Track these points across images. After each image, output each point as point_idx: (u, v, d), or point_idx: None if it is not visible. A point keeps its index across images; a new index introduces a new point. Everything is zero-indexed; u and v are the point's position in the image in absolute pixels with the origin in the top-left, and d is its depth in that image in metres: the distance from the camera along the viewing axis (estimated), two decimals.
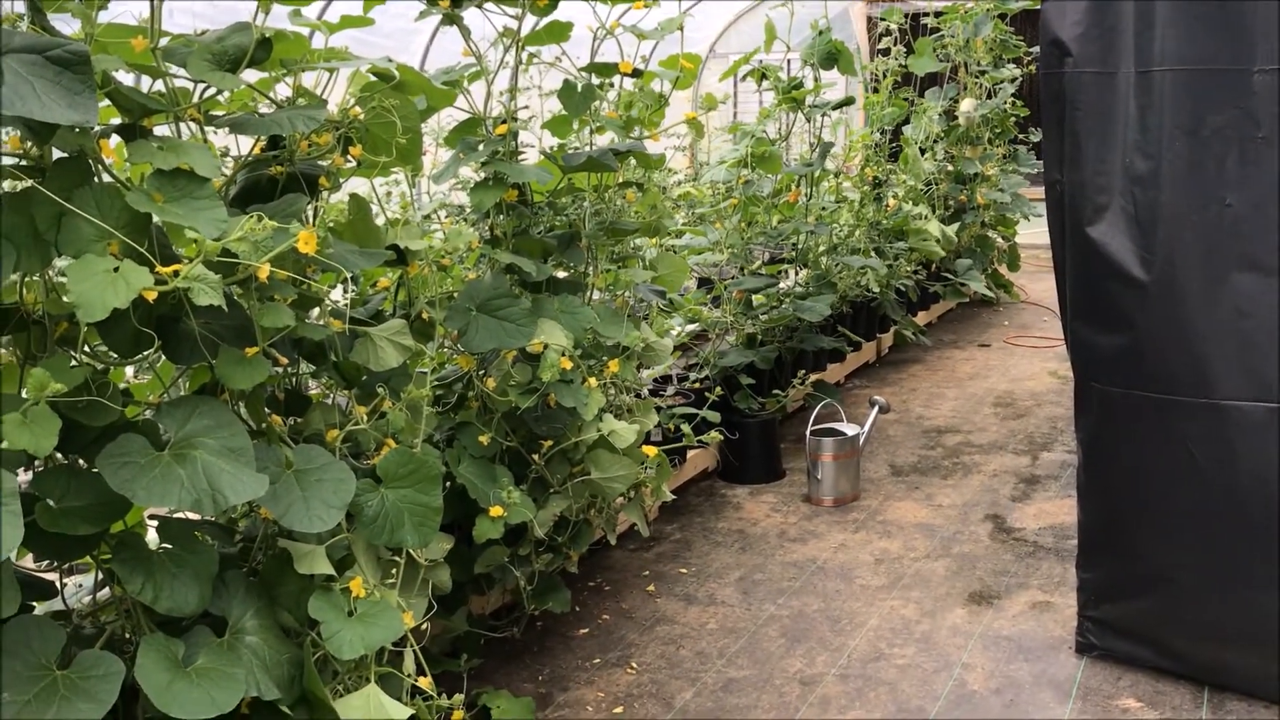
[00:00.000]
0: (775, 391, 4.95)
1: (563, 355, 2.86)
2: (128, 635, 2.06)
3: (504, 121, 2.99)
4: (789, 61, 5.11)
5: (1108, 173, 2.79)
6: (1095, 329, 2.88)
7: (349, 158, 2.35)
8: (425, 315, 2.76)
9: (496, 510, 2.78)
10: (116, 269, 1.70)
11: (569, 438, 3.09)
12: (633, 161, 3.38)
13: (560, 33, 2.98)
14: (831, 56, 4.74)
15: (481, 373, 3.01)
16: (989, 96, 7.14)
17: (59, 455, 1.96)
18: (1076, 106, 2.81)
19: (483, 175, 2.98)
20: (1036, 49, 3.37)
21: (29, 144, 1.82)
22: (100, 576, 2.17)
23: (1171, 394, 2.75)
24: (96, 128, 1.85)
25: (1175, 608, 2.90)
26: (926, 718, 2.90)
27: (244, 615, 2.05)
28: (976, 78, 7.06)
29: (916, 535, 4.10)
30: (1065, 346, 3.05)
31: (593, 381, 3.06)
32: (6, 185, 1.88)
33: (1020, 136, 7.72)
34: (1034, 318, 7.74)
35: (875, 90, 6.25)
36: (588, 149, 3.29)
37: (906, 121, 6.58)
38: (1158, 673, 3.02)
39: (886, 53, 6.26)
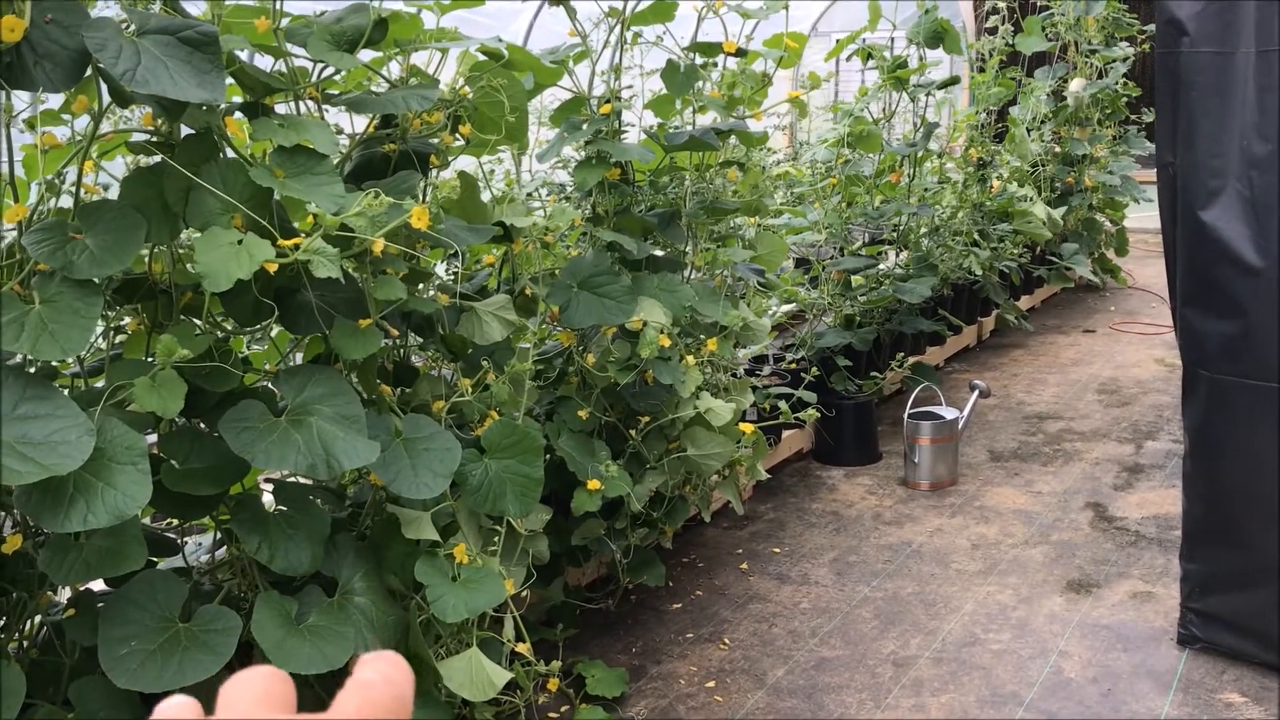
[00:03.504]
0: (872, 374, 4.92)
1: (661, 333, 2.89)
2: (242, 593, 2.15)
3: (608, 101, 3.02)
4: (893, 40, 5.05)
5: (1223, 155, 2.72)
6: (1205, 315, 2.82)
7: (458, 136, 2.40)
8: (528, 291, 2.81)
9: (594, 484, 2.83)
10: (240, 241, 1.77)
11: (666, 414, 3.13)
12: (733, 140, 3.39)
13: (665, 12, 3.00)
14: (937, 35, 4.68)
15: (582, 348, 3.06)
16: (1099, 76, 6.96)
17: (182, 419, 2.06)
18: (1192, 87, 2.75)
19: (586, 154, 3.02)
20: (1150, 27, 3.31)
21: (160, 121, 1.91)
22: (218, 536, 2.27)
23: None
24: (222, 106, 1.92)
25: None
26: (1021, 703, 2.88)
27: (353, 577, 2.13)
28: (1087, 57, 6.88)
29: (1015, 521, 4.05)
30: (1173, 333, 2.98)
31: (690, 359, 3.09)
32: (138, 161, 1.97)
33: (1131, 118, 7.51)
34: (1141, 304, 7.55)
35: (981, 69, 6.15)
36: (689, 128, 3.30)
37: (1013, 102, 6.46)
38: (1264, 668, 2.95)
39: (994, 31, 6.14)
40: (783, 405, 3.91)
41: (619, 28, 3.02)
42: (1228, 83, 2.69)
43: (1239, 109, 2.68)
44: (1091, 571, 3.62)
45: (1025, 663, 3.07)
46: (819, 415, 4.14)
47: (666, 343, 2.91)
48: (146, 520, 2.34)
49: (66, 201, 1.88)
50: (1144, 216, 8.02)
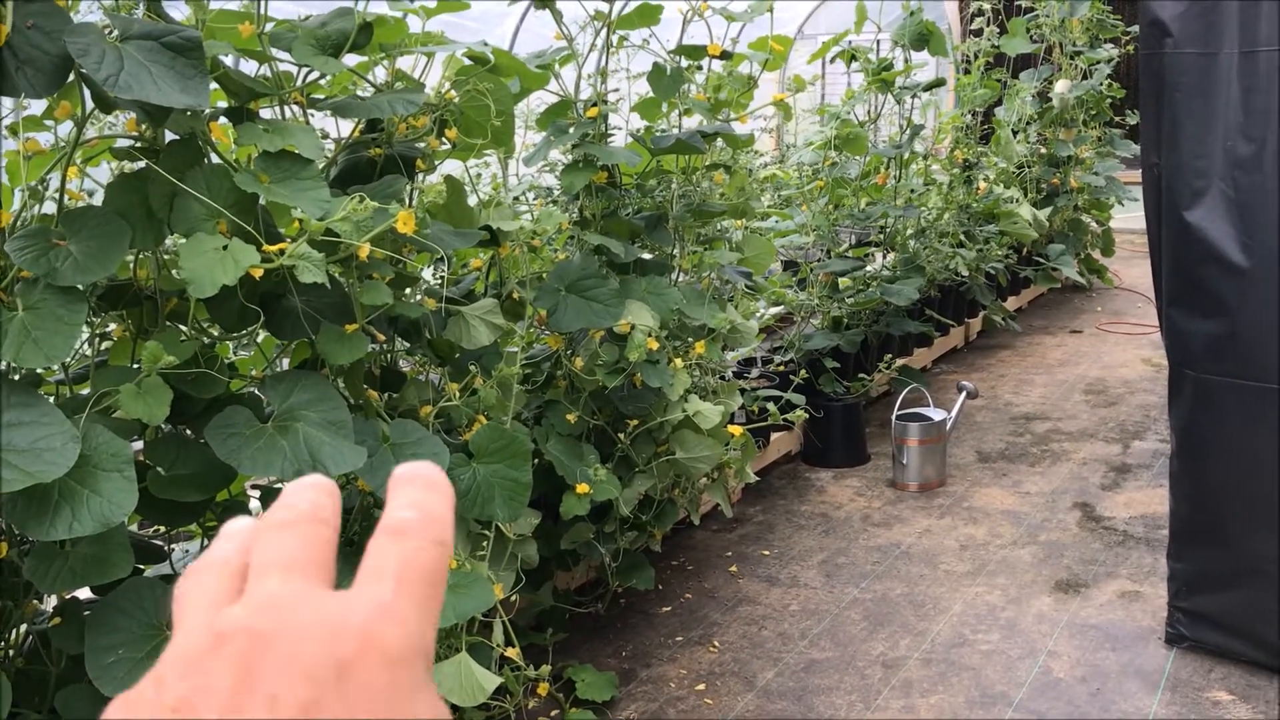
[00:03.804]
0: (860, 375, 4.93)
1: (649, 336, 2.89)
2: None
3: (594, 104, 3.02)
4: (879, 43, 5.07)
5: (1207, 156, 2.73)
6: (1191, 315, 2.83)
7: (445, 140, 2.40)
8: (516, 295, 2.81)
9: (583, 487, 2.83)
10: (225, 247, 1.77)
11: (654, 417, 3.13)
12: (720, 143, 3.39)
13: (651, 15, 3.00)
14: (923, 37, 4.69)
15: (570, 352, 3.05)
16: (1084, 78, 6.98)
17: (168, 425, 2.05)
18: (1176, 88, 2.76)
19: (573, 157, 3.02)
20: (1135, 29, 3.33)
21: (144, 126, 1.90)
22: (205, 543, 2.26)
23: (1269, 382, 2.69)
24: (207, 111, 1.92)
25: (1270, 600, 2.84)
26: (1010, 703, 2.88)
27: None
28: (1072, 59, 6.90)
29: (1003, 522, 4.06)
30: (1159, 333, 2.99)
31: (678, 362, 3.09)
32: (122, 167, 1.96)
33: (1116, 119, 7.54)
34: (1128, 304, 7.58)
35: (967, 71, 6.16)
36: (676, 131, 3.31)
37: (999, 103, 6.47)
38: (1251, 666, 2.96)
39: (979, 33, 6.16)
40: (771, 407, 3.91)
41: (605, 31, 3.02)
42: (1211, 83, 2.70)
43: (1223, 110, 2.69)
44: (1080, 571, 3.63)
45: (1014, 663, 3.08)
46: (807, 417, 4.15)
47: (654, 346, 2.90)
48: (133, 527, 2.33)
49: (50, 208, 1.87)
50: (1130, 217, 8.05)
